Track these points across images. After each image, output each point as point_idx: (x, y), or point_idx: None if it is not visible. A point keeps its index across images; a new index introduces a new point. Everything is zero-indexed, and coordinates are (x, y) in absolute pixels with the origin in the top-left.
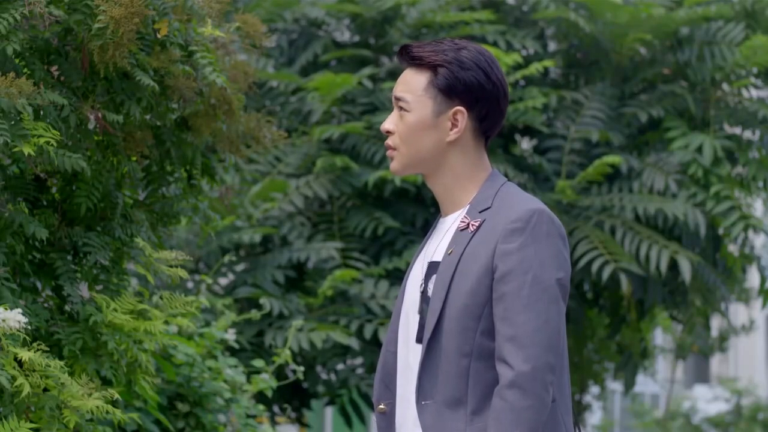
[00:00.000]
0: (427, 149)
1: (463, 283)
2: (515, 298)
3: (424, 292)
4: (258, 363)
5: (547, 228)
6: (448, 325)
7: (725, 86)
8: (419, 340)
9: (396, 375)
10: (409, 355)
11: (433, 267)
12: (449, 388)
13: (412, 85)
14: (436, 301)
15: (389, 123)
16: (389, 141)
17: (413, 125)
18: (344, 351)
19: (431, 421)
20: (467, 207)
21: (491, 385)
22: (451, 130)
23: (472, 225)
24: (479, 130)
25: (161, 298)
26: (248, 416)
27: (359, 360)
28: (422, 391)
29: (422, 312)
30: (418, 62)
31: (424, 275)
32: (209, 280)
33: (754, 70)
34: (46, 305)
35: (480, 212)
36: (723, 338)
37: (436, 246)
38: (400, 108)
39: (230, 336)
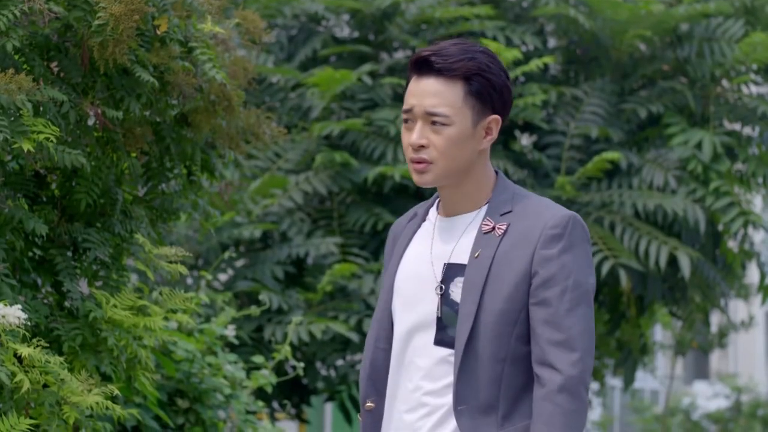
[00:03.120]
0: (464, 160)
1: (498, 288)
2: (559, 303)
3: (444, 295)
4: (258, 359)
5: (581, 233)
6: (483, 330)
7: (725, 82)
8: (440, 342)
9: (384, 372)
10: (414, 355)
11: (454, 269)
12: (483, 394)
13: (448, 98)
14: (468, 305)
15: (420, 137)
16: (423, 155)
17: (455, 139)
18: (344, 347)
19: (468, 425)
20: (484, 209)
21: (521, 390)
22: (485, 137)
23: (499, 229)
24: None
25: (161, 294)
26: (248, 412)
27: (359, 356)
28: (458, 396)
29: (443, 315)
30: (448, 73)
31: (442, 277)
32: (209, 276)
33: (754, 66)
34: (45, 301)
35: (501, 215)
36: (722, 334)
37: (452, 247)
38: (434, 122)
39: (230, 332)
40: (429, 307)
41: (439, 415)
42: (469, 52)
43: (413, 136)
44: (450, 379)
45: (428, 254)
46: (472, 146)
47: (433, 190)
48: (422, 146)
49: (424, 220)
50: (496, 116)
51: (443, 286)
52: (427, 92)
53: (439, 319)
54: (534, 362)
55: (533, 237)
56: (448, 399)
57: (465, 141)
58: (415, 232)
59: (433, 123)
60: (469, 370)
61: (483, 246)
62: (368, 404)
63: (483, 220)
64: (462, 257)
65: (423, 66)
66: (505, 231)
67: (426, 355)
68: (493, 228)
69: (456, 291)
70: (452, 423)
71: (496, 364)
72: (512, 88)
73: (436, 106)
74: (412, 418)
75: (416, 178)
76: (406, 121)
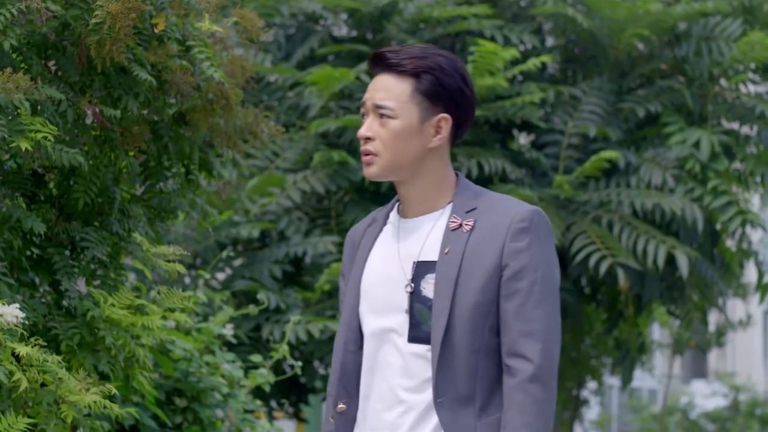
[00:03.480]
0: (410, 155)
1: (471, 282)
2: (529, 295)
3: (415, 293)
4: (256, 358)
5: (546, 228)
6: (458, 323)
7: (723, 81)
8: (414, 339)
9: (354, 375)
10: (388, 355)
11: (424, 266)
12: (461, 386)
13: (395, 92)
14: (442, 299)
15: (367, 130)
16: (369, 147)
17: (399, 132)
18: None
19: (448, 419)
20: (448, 208)
21: (495, 382)
22: (434, 136)
23: (466, 225)
24: (453, 136)
25: (159, 293)
26: (246, 411)
27: None
28: (438, 389)
29: (416, 312)
30: (398, 69)
31: (412, 275)
32: (207, 275)
33: (752, 65)
34: (43, 300)
35: (467, 213)
36: (720, 333)
37: (420, 246)
38: (382, 115)
39: (228, 331)
40: (400, 306)
41: (418, 412)
42: (426, 53)
43: (362, 128)
44: (427, 374)
45: (396, 255)
46: (419, 142)
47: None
48: (369, 138)
49: (385, 223)
50: (446, 115)
51: (413, 284)
52: (379, 87)
53: (411, 317)
54: (504, 354)
55: (501, 231)
56: (427, 395)
57: (410, 136)
58: (377, 235)
59: (381, 116)
60: (446, 363)
61: (452, 242)
62: (340, 406)
63: (450, 218)
64: (431, 254)
65: (378, 62)
66: (473, 227)
67: (400, 353)
68: (461, 225)
69: (428, 287)
70: (433, 419)
71: (472, 356)
72: (469, 93)
73: (384, 99)
74: (391, 417)
75: (364, 171)
76: (362, 115)
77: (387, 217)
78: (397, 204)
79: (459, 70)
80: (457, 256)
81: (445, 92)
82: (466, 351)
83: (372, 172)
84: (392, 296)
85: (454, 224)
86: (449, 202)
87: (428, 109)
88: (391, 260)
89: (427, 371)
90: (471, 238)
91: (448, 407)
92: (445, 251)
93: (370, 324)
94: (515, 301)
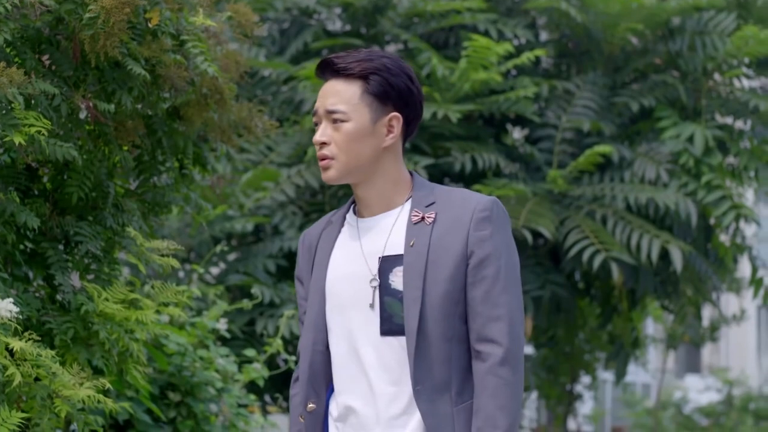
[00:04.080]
0: (366, 156)
1: (439, 271)
2: (495, 281)
3: (383, 286)
4: (249, 353)
5: (504, 217)
6: (430, 312)
7: (717, 76)
8: (387, 332)
9: (322, 375)
10: (362, 350)
11: (390, 261)
12: (437, 373)
13: (345, 96)
14: (413, 290)
15: (321, 135)
16: (325, 151)
17: (352, 134)
18: None
19: (426, 407)
20: (406, 205)
21: (467, 367)
22: (387, 135)
23: (428, 218)
24: (405, 134)
25: (153, 287)
26: (240, 406)
27: None
28: (415, 378)
29: (386, 305)
30: (346, 72)
31: (377, 270)
32: (201, 270)
33: (746, 60)
34: (37, 295)
35: (427, 207)
36: (714, 328)
37: (384, 242)
38: (335, 120)
39: (222, 326)
40: (368, 301)
41: (403, 403)
42: (371, 56)
43: (317, 134)
44: (403, 365)
45: (359, 252)
46: (373, 143)
47: None
48: (324, 143)
49: (342, 225)
50: (397, 114)
51: (379, 278)
52: (329, 92)
53: (382, 310)
54: (473, 340)
55: (464, 221)
56: (406, 386)
57: (364, 137)
58: (336, 237)
59: (334, 121)
60: (421, 352)
61: (416, 235)
62: (310, 405)
63: (411, 212)
64: (397, 249)
65: (326, 69)
66: (434, 219)
67: (374, 347)
68: (423, 218)
69: (396, 280)
70: (417, 410)
71: (445, 344)
72: (416, 91)
73: (335, 104)
74: (374, 410)
75: (322, 175)
76: (315, 124)
77: (344, 218)
78: (352, 206)
79: (404, 69)
80: (424, 248)
81: (393, 91)
82: (440, 339)
83: (330, 175)
84: (360, 293)
85: (416, 218)
86: (407, 199)
87: (379, 110)
88: (354, 258)
89: (403, 362)
90: (434, 229)
91: (426, 396)
92: (411, 244)
93: (338, 322)
94: (482, 288)
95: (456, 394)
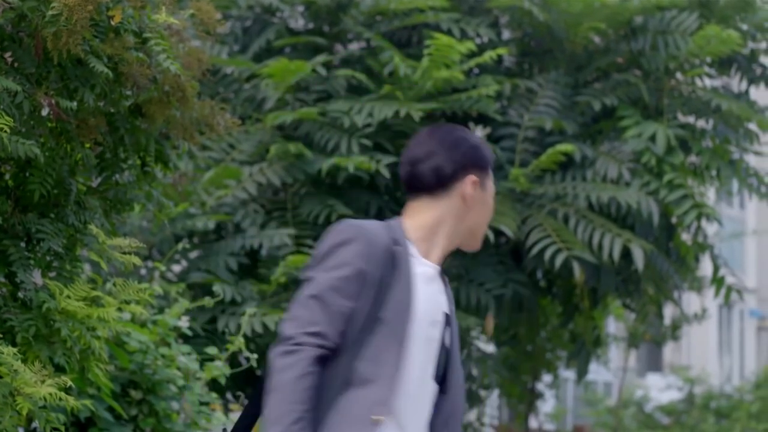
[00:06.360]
0: None
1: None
2: None
3: (442, 341)
4: (211, 350)
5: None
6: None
7: (679, 75)
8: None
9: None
10: (425, 386)
11: (446, 319)
12: None
13: None
14: (457, 350)
15: None
16: None
17: None
18: None
19: None
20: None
21: None
22: None
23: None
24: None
25: (114, 285)
26: (201, 403)
27: None
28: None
29: (439, 359)
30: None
31: (443, 326)
32: (162, 267)
33: (708, 59)
34: None
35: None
36: (676, 327)
37: (444, 296)
38: None
39: (183, 323)
40: (437, 349)
41: None
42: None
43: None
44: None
45: (441, 300)
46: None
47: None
48: None
49: (407, 253)
50: None
51: (442, 333)
52: None
53: (441, 359)
54: None
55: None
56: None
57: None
58: (411, 266)
59: None
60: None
61: (449, 298)
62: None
63: (440, 275)
64: (447, 307)
65: None
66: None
67: (430, 387)
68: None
69: (448, 339)
70: None
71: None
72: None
73: None
74: None
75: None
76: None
77: (405, 246)
78: (403, 231)
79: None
80: (454, 315)
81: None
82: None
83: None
84: (435, 339)
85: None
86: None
87: None
88: (437, 304)
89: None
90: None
91: None
92: (450, 309)
93: (417, 353)
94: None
95: None
